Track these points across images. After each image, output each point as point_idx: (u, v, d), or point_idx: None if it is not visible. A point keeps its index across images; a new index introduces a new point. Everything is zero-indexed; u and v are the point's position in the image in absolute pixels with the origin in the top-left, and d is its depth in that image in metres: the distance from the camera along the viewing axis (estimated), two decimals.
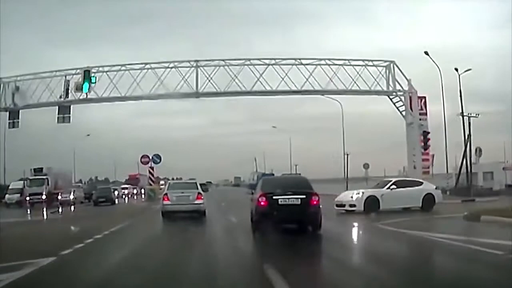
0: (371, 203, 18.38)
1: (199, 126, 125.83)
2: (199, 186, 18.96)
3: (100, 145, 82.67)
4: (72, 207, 31.81)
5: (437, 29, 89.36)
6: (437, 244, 10.02)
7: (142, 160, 29.94)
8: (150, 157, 29.59)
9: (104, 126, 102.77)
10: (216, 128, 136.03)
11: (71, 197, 35.88)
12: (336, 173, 45.27)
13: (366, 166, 40.32)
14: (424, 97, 31.09)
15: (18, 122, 32.19)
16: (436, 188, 20.38)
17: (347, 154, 40.92)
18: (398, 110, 31.16)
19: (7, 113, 32.06)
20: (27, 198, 36.29)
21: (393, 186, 19.17)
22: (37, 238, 13.42)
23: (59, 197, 35.86)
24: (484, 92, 62.99)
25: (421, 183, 20.26)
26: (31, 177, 38.40)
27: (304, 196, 11.71)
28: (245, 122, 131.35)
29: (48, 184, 36.92)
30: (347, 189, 43.98)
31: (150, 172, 29.73)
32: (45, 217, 24.67)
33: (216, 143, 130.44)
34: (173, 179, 64.07)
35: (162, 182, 45.65)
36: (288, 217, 11.87)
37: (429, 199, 19.25)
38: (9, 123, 32.10)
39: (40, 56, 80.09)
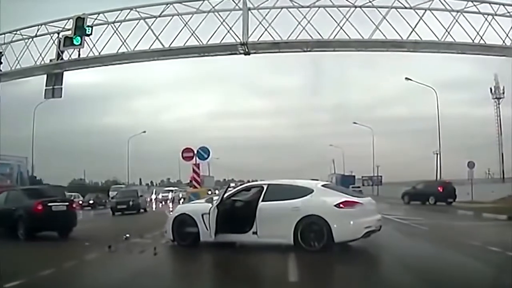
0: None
1: (275, 126, 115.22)
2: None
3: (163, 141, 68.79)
4: None
5: None
6: None
7: (184, 155, 20.51)
8: (195, 151, 19.76)
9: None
10: (292, 128, 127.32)
11: None
12: (429, 175, 35.13)
13: (471, 165, 30.11)
14: None
15: None
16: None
17: (437, 154, 31.40)
18: None
19: None
20: None
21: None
22: None
23: None
24: None
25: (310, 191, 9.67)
26: None
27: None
28: (325, 123, 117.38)
29: None
30: None
31: (194, 171, 19.98)
32: None
33: (291, 144, 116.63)
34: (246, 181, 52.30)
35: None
36: None
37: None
38: None
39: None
